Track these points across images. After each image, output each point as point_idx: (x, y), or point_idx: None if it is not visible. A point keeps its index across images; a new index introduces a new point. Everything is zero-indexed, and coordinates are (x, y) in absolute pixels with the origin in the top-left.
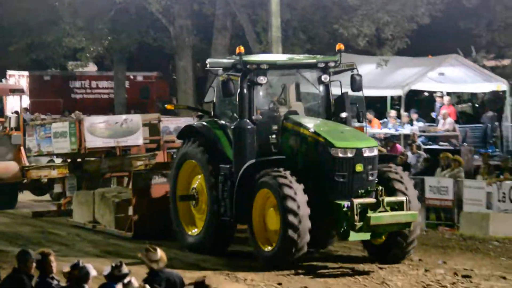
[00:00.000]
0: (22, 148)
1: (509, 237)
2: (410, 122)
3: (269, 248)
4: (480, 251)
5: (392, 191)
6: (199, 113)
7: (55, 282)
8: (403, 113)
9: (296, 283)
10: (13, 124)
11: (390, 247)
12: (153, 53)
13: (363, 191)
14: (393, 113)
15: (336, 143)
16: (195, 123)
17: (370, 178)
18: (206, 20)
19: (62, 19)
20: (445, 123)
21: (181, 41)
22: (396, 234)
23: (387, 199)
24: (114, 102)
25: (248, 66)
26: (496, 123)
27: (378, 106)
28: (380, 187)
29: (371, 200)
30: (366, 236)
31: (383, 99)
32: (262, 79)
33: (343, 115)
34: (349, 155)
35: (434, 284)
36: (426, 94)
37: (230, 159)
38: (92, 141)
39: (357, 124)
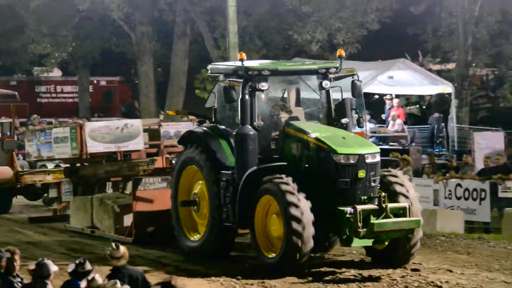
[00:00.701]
0: (13, 153)
1: (455, 233)
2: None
3: (273, 255)
4: (428, 246)
5: (393, 196)
6: (200, 119)
7: (18, 279)
8: (355, 115)
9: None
10: (5, 130)
11: (393, 251)
12: (115, 59)
13: (365, 197)
14: None
15: (339, 150)
16: (196, 129)
17: (373, 184)
18: (166, 27)
19: (27, 26)
20: (395, 124)
21: (143, 47)
22: (398, 238)
23: (390, 205)
24: (78, 106)
25: (249, 72)
26: (442, 124)
27: None
28: (383, 193)
29: (374, 206)
30: (369, 242)
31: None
32: (263, 85)
33: (344, 121)
34: (352, 161)
35: (385, 277)
36: (376, 96)
37: (232, 165)
38: (94, 146)
39: (357, 130)
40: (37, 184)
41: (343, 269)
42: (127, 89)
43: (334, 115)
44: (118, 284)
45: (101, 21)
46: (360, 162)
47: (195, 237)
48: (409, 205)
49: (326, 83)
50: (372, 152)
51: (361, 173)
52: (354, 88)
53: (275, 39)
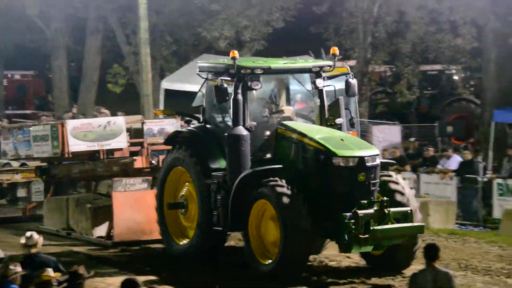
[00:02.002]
0: None
1: None
2: None
3: (269, 261)
4: None
5: (393, 202)
6: (187, 118)
7: None
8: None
9: None
10: None
11: (393, 257)
12: (30, 54)
13: (365, 202)
14: None
15: (338, 152)
16: (184, 129)
17: (373, 188)
18: (79, 23)
19: None
20: None
21: (57, 42)
22: (399, 243)
23: (392, 210)
24: None
25: (242, 71)
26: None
27: None
28: (385, 198)
29: (376, 211)
30: (369, 248)
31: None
32: (256, 84)
33: (339, 121)
34: (351, 164)
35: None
36: None
37: (223, 167)
38: (76, 145)
39: (350, 130)
40: (4, 183)
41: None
42: (41, 83)
43: (328, 115)
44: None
45: (16, 17)
46: (360, 165)
47: (183, 241)
48: (410, 210)
49: (319, 82)
50: (372, 155)
51: (361, 177)
52: (348, 87)
53: (184, 36)
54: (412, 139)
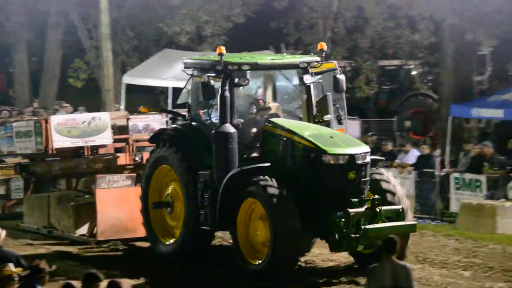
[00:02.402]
0: None
1: None
2: None
3: (259, 262)
4: None
5: (381, 195)
6: (172, 115)
7: None
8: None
9: None
10: None
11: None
12: None
13: (356, 200)
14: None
15: (328, 150)
16: (169, 127)
17: (363, 186)
18: (40, 17)
19: None
20: None
21: (17, 36)
22: None
23: (384, 208)
24: None
25: (229, 67)
26: None
27: None
28: (376, 196)
29: (367, 210)
30: (360, 247)
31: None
32: (244, 80)
33: (327, 117)
34: (341, 162)
35: None
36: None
37: (209, 165)
38: (60, 141)
39: (337, 127)
40: None
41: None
42: (1, 77)
43: (315, 111)
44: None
45: None
46: (350, 163)
47: (170, 240)
48: (402, 208)
49: (307, 78)
50: (362, 152)
51: (352, 175)
52: (337, 83)
53: (146, 31)
54: (370, 134)
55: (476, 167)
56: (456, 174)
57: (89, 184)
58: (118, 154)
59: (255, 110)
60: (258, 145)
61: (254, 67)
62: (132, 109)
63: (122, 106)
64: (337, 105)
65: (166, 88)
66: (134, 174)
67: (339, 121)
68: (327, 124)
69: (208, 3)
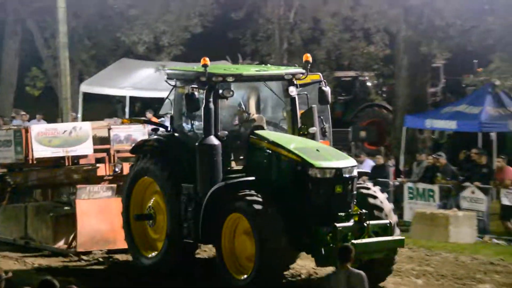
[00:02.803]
0: None
1: None
2: None
3: (244, 277)
4: None
5: (368, 210)
6: (154, 127)
7: None
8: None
9: None
10: None
11: (370, 270)
12: None
13: (343, 214)
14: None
15: (315, 163)
16: (152, 137)
17: (350, 200)
18: None
19: None
20: None
21: None
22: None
23: (372, 223)
24: None
25: (213, 79)
26: None
27: (156, 106)
28: (363, 211)
29: (354, 224)
30: None
31: (161, 100)
32: (228, 92)
33: (312, 130)
34: (328, 175)
35: None
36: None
37: (192, 177)
38: (40, 151)
39: (323, 139)
40: None
41: None
42: None
43: (300, 123)
44: None
45: None
46: (337, 177)
47: (152, 254)
48: (390, 223)
49: (292, 90)
50: (349, 166)
51: (338, 188)
52: (322, 94)
53: (103, 40)
54: None
55: (429, 177)
56: (410, 184)
57: (66, 195)
58: (98, 165)
59: (239, 122)
60: (242, 157)
61: (239, 78)
62: (89, 117)
63: (80, 115)
64: (321, 117)
65: (124, 97)
66: (115, 185)
67: (324, 134)
68: (312, 136)
69: (166, 14)
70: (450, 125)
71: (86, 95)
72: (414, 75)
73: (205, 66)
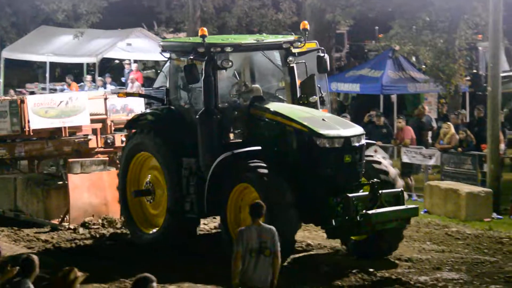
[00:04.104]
0: None
1: None
2: (104, 85)
3: None
4: None
5: (376, 178)
6: (150, 101)
7: None
8: (98, 77)
9: None
10: None
11: (378, 241)
12: None
13: (353, 184)
14: (89, 77)
15: (323, 132)
16: (148, 112)
17: (359, 169)
18: None
19: None
20: (133, 86)
21: None
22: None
23: (384, 192)
24: None
25: (212, 49)
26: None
27: (76, 72)
28: (375, 180)
29: (367, 194)
30: (361, 234)
31: (80, 66)
32: (227, 63)
33: (312, 99)
34: (337, 145)
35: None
36: (116, 61)
37: (192, 151)
38: (37, 122)
39: (321, 107)
40: None
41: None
42: None
43: (300, 92)
44: None
45: None
46: (346, 146)
47: (152, 230)
48: (401, 191)
49: (291, 59)
50: (357, 134)
51: (347, 158)
52: (320, 63)
53: (23, 8)
54: None
55: None
56: None
57: (56, 167)
58: (89, 137)
59: (237, 93)
60: (242, 129)
61: (238, 48)
62: (10, 82)
63: (1, 80)
64: (319, 86)
65: (44, 63)
66: (107, 158)
67: (322, 102)
68: (313, 106)
69: None
70: (354, 87)
71: (8, 61)
72: (319, 41)
73: (203, 36)
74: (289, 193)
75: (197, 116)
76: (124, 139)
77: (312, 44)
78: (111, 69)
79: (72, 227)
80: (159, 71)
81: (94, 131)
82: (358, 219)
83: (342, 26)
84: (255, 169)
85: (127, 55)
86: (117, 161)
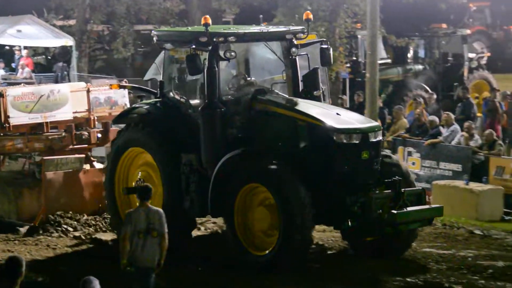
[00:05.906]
0: None
1: None
2: None
3: (264, 252)
4: None
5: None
6: (142, 93)
7: None
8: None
9: None
10: None
11: (390, 241)
12: None
13: (371, 182)
14: None
15: (339, 127)
16: (139, 105)
17: (376, 166)
18: None
19: None
20: (23, 72)
21: None
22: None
23: (407, 190)
24: None
25: (214, 39)
26: (66, 72)
27: None
28: (397, 177)
29: (390, 193)
30: (380, 234)
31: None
32: (231, 54)
33: (317, 93)
34: (355, 141)
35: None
36: (7, 47)
37: (191, 146)
38: (17, 117)
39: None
40: None
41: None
42: None
43: (302, 86)
44: None
45: None
46: (363, 141)
47: None
48: (423, 189)
49: (294, 50)
50: (374, 130)
51: (365, 154)
52: (323, 55)
53: None
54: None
55: None
56: None
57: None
58: (63, 133)
59: (236, 86)
60: (245, 124)
61: (241, 38)
62: None
63: None
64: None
65: None
66: (83, 156)
67: (323, 97)
68: (318, 99)
69: None
70: None
71: None
72: None
73: (206, 25)
74: (304, 192)
75: (199, 109)
76: (100, 135)
77: (312, 36)
78: (1, 56)
79: (47, 227)
80: (49, 57)
81: (78, 126)
82: (382, 219)
83: (228, 14)
84: (268, 168)
85: (17, 41)
86: (92, 158)
